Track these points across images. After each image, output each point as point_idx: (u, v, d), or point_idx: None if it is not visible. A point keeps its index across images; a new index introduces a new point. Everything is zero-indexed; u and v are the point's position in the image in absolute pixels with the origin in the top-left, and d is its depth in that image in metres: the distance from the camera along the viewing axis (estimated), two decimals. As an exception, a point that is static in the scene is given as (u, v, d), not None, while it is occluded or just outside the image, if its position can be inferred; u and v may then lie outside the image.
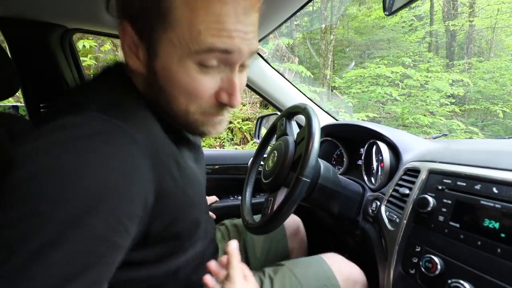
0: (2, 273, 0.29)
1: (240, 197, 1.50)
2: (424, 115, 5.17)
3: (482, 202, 0.52)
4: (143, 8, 0.42)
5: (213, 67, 0.44)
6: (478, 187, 0.54)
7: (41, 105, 1.14)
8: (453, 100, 5.94)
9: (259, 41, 1.19)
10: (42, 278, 0.30)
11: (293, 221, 1.08)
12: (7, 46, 1.05)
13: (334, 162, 1.24)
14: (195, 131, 0.52)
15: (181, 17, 0.40)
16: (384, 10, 0.65)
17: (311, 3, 0.86)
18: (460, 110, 6.21)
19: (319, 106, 1.46)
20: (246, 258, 0.96)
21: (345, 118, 5.02)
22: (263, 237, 0.99)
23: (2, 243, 0.30)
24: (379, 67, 5.59)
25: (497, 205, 0.49)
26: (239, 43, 0.42)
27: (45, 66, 1.12)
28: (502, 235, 0.47)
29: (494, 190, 0.51)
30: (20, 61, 1.07)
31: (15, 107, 1.84)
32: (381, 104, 6.23)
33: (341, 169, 1.16)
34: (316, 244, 1.20)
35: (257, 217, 0.87)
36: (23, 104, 1.20)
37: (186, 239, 0.56)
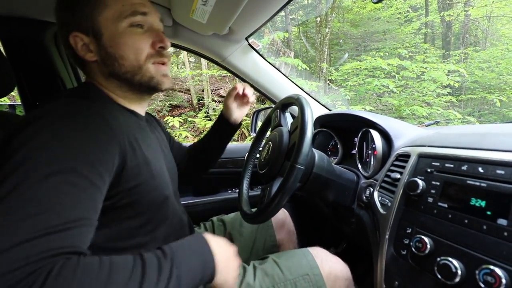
0: (20, 192, 0.40)
1: (237, 190, 1.52)
2: (421, 106, 5.18)
3: (468, 182, 0.53)
4: (83, 9, 0.59)
5: (141, 26, 0.62)
6: (465, 167, 0.55)
7: (37, 103, 1.14)
8: (450, 90, 5.95)
9: (252, 34, 1.20)
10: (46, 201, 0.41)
11: (279, 212, 1.09)
12: (1, 44, 1.05)
13: (329, 153, 1.26)
14: (151, 85, 0.65)
15: None
16: (372, -2, 0.66)
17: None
18: (457, 100, 6.21)
19: (314, 99, 1.47)
20: None
21: (342, 111, 4.99)
22: (250, 229, 1.01)
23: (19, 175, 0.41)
24: (375, 59, 5.57)
25: (482, 184, 0.51)
26: (149, 8, 0.64)
27: (40, 64, 1.12)
28: (488, 212, 0.49)
29: (480, 169, 0.53)
30: (15, 60, 1.07)
31: (12, 107, 1.85)
32: (378, 97, 6.24)
33: (336, 159, 1.17)
34: (306, 236, 1.21)
35: (255, 209, 0.89)
36: (21, 104, 1.21)
37: (155, 213, 0.65)
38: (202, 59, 6.22)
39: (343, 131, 1.18)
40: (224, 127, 1.02)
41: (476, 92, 6.26)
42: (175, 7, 1.02)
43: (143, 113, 0.72)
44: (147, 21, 0.64)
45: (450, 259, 0.50)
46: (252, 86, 1.42)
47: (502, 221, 0.46)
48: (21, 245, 0.36)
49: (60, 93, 0.62)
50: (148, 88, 0.66)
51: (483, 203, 0.50)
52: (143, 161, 0.60)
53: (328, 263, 0.79)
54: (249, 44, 1.29)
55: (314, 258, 0.78)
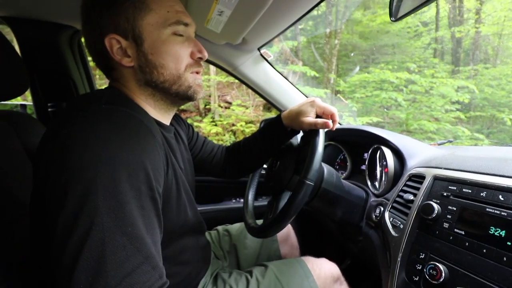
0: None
1: (241, 200, 1.51)
2: (429, 121, 5.13)
3: (488, 209, 0.51)
4: (124, 11, 0.55)
5: (182, 35, 0.60)
6: (484, 194, 0.53)
7: (48, 104, 1.15)
8: (459, 107, 5.89)
9: (264, 45, 1.20)
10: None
11: None
12: (18, 46, 1.07)
13: (337, 167, 1.24)
14: (188, 94, 0.63)
15: (153, 2, 0.56)
16: (391, 16, 0.65)
17: (316, 8, 0.86)
18: (465, 116, 6.15)
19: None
20: (237, 262, 0.96)
21: (349, 122, 4.98)
22: (255, 242, 0.99)
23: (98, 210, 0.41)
24: (383, 72, 5.56)
25: (503, 213, 0.49)
26: (190, 19, 0.62)
27: (54, 66, 1.14)
28: (508, 243, 0.47)
29: (500, 197, 0.51)
30: (30, 61, 1.08)
31: (23, 106, 1.87)
32: (385, 109, 6.20)
33: (344, 174, 1.15)
34: (309, 251, 1.19)
35: (259, 221, 0.87)
36: (31, 103, 1.22)
37: (173, 234, 0.62)
38: (211, 65, 6.27)
39: (353, 145, 1.16)
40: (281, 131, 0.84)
41: (486, 110, 6.19)
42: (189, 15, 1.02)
43: (168, 123, 0.68)
44: (187, 31, 0.62)
45: (466, 289, 0.48)
46: (261, 95, 1.42)
47: (524, 254, 0.44)
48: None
49: (88, 97, 0.56)
50: (183, 97, 0.63)
51: (503, 233, 0.48)
52: (172, 181, 0.58)
53: (319, 266, 0.81)
54: (261, 55, 1.29)
55: (307, 264, 0.81)
